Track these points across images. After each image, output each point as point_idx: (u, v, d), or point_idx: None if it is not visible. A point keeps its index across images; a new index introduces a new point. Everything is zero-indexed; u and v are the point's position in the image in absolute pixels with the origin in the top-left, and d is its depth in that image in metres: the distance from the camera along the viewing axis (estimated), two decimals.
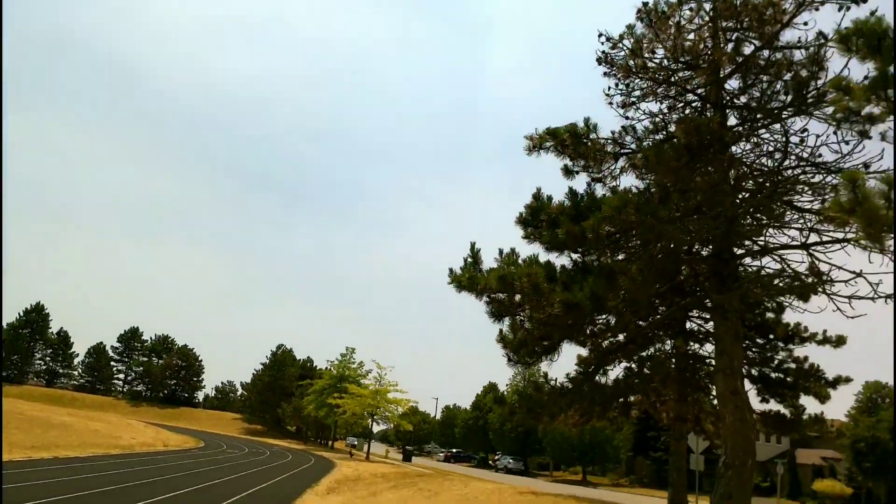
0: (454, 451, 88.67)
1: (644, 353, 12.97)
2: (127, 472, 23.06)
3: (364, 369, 64.42)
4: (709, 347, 13.33)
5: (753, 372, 13.65)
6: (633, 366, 13.05)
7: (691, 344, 13.20)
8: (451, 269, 11.73)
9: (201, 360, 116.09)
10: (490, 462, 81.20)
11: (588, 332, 11.54)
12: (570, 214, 9.93)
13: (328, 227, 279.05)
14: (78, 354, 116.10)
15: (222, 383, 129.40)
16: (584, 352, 13.77)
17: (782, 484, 42.81)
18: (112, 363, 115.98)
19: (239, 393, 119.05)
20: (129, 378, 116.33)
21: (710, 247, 9.19)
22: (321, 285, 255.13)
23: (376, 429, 64.38)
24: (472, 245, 11.67)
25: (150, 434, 51.46)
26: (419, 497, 16.99)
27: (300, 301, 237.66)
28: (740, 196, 11.14)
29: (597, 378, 11.80)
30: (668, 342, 13.11)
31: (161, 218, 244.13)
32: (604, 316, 11.16)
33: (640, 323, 11.59)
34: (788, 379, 13.52)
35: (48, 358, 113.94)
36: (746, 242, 10.94)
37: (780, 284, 10.44)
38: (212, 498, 18.07)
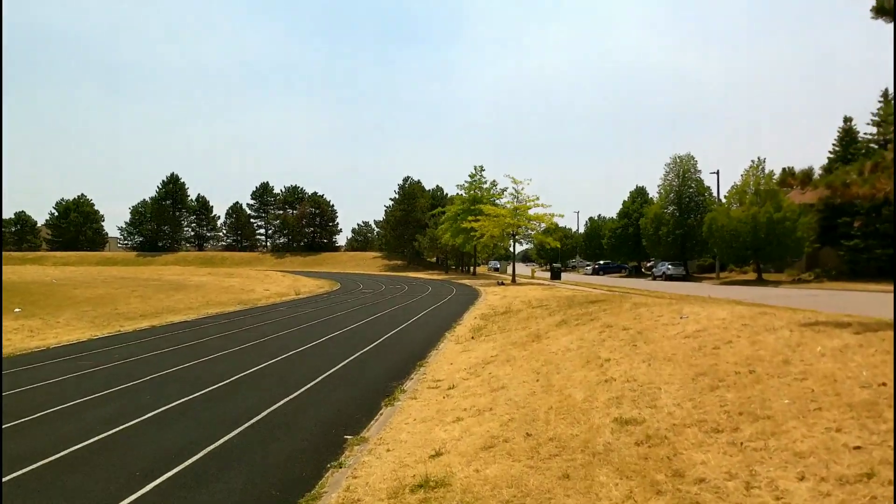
0: (601, 262, 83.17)
1: None
2: (210, 335, 18.59)
3: (498, 188, 57.95)
4: None
5: None
6: None
7: None
8: None
9: (333, 206, 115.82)
10: (644, 270, 74.92)
11: None
12: None
13: (433, 51, 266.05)
14: (219, 217, 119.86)
15: (358, 225, 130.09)
16: None
17: None
18: (251, 220, 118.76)
19: (375, 231, 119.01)
20: (270, 231, 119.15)
21: None
22: (437, 115, 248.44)
23: (518, 249, 58.91)
24: None
25: (286, 283, 49.39)
26: (614, 344, 10.49)
27: (420, 134, 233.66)
28: None
29: None
30: None
31: (276, 78, 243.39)
32: None
33: None
34: None
35: (194, 224, 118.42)
36: None
37: None
38: (305, 370, 12.76)
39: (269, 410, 9.17)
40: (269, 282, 50.75)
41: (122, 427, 8.39)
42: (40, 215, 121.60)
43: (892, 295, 24.76)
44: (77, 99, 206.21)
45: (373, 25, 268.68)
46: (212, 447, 7.43)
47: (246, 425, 8.38)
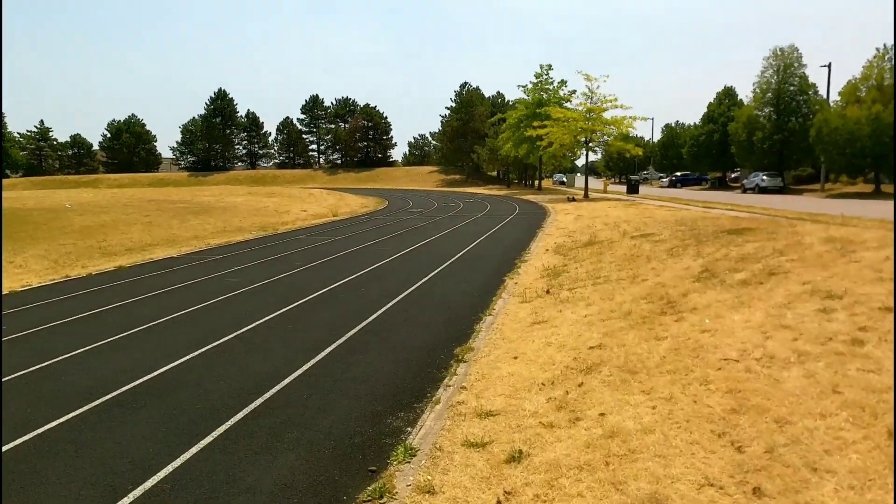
0: (679, 174, 75.04)
1: None
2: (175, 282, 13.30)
3: (566, 90, 50.24)
4: None
5: None
6: None
7: None
8: None
9: (387, 118, 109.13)
10: (729, 182, 66.29)
11: None
12: None
13: None
14: (270, 133, 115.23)
15: (414, 138, 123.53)
16: None
17: None
18: (302, 135, 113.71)
19: (432, 145, 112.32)
20: (323, 147, 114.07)
21: None
22: (504, 29, 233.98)
23: (591, 158, 51.37)
24: None
25: (328, 203, 44.26)
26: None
27: (482, 42, 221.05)
28: None
29: None
30: None
31: None
32: None
33: None
34: None
35: (245, 141, 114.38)
36: None
37: None
38: (231, 383, 7.29)
39: None
40: (311, 201, 45.73)
41: None
42: (95, 138, 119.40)
43: None
44: (122, 18, 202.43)
45: None
46: None
47: None
